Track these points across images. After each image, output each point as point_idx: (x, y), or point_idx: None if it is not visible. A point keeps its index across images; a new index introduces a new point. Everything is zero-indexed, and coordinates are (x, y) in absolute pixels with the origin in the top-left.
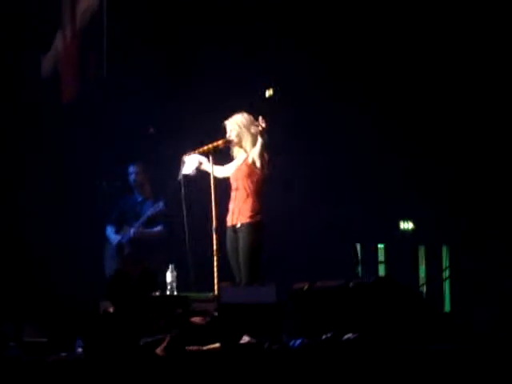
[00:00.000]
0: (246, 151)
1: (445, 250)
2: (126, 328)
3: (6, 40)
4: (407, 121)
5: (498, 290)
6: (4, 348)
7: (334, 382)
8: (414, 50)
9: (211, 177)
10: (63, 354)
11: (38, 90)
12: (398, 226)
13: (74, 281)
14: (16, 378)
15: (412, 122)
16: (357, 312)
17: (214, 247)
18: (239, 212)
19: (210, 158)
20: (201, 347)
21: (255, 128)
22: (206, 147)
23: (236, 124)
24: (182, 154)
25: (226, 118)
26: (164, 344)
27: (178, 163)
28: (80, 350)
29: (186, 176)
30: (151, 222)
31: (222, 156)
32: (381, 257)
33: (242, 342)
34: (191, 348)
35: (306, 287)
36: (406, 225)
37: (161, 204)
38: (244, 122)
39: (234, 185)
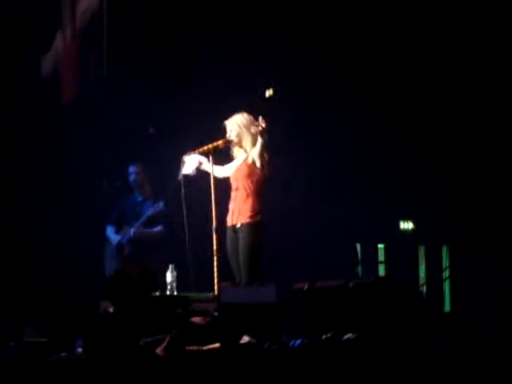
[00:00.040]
0: (246, 151)
1: (445, 250)
2: (126, 328)
3: (6, 40)
4: (407, 121)
5: (497, 290)
6: (4, 348)
7: (333, 382)
8: (413, 49)
9: (211, 177)
10: (63, 354)
11: (38, 90)
12: (397, 226)
13: (74, 281)
14: (16, 378)
15: (412, 122)
16: (357, 312)
17: (214, 247)
18: (239, 212)
19: (210, 158)
20: (201, 347)
21: (255, 128)
22: (206, 147)
23: (236, 124)
24: (182, 154)
25: (226, 118)
26: (164, 344)
27: (178, 163)
28: (80, 350)
29: (186, 176)
30: (151, 222)
31: (222, 156)
32: (381, 257)
33: (242, 342)
34: (191, 348)
35: (305, 287)
36: (406, 225)
37: (161, 204)
38: (244, 122)
39: (233, 185)
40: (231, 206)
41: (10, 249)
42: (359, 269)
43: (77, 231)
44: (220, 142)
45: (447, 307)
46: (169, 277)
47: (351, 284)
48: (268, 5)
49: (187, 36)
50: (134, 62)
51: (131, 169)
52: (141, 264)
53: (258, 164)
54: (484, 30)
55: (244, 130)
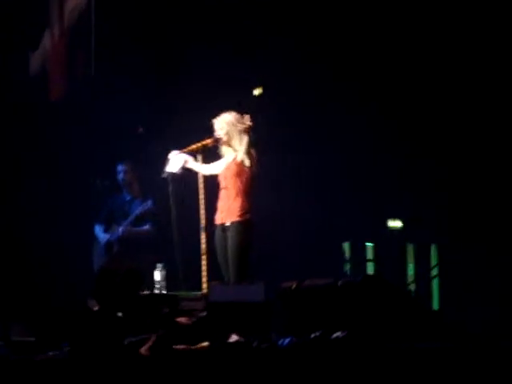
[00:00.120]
0: (234, 150)
1: (433, 249)
2: (110, 327)
3: None
4: (396, 120)
5: (485, 288)
6: None
7: (323, 380)
8: (408, 49)
9: (199, 175)
10: (51, 354)
11: (26, 89)
12: (386, 224)
13: (63, 280)
14: (4, 378)
15: (401, 121)
16: (345, 310)
17: (203, 246)
18: (228, 211)
19: (199, 156)
20: (189, 346)
21: (243, 126)
22: (194, 146)
23: (225, 123)
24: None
25: (215, 116)
26: (149, 343)
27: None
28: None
29: (171, 174)
30: (140, 220)
31: (210, 154)
32: (369, 255)
33: (230, 340)
34: (179, 347)
35: (294, 286)
36: (395, 223)
37: (149, 203)
38: (233, 120)
39: (222, 184)
40: (220, 204)
41: None
42: (348, 267)
43: (65, 230)
44: (208, 141)
45: (435, 305)
46: (157, 275)
47: (340, 282)
48: (256, 3)
49: (175, 34)
50: (122, 61)
51: (120, 167)
52: (129, 263)
53: (246, 163)
54: (480, 31)
55: (232, 128)
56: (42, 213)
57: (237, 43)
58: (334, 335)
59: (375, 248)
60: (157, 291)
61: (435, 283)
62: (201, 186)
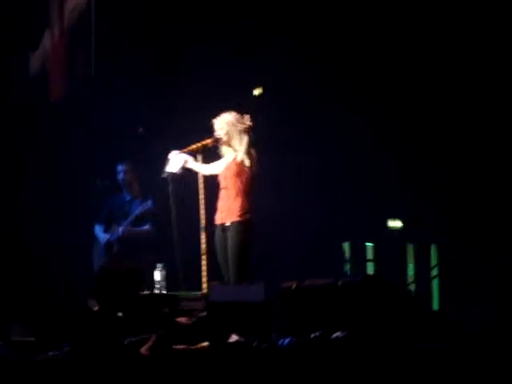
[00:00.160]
0: (234, 150)
1: (433, 249)
2: (111, 327)
3: None
4: (396, 120)
5: (485, 288)
6: None
7: (323, 380)
8: (408, 49)
9: (199, 175)
10: (51, 354)
11: (26, 89)
12: (386, 224)
13: (63, 280)
14: (4, 378)
15: (401, 121)
16: (345, 310)
17: (203, 246)
18: (228, 211)
19: (199, 156)
20: (189, 346)
21: (243, 126)
22: (194, 146)
23: (225, 123)
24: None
25: (215, 116)
26: (149, 343)
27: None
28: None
29: (171, 174)
30: (140, 220)
31: (209, 154)
32: (369, 255)
33: (230, 340)
34: (179, 347)
35: (294, 286)
36: (395, 223)
37: (149, 203)
38: (233, 120)
39: (222, 184)
40: (220, 204)
41: None
42: (348, 267)
43: (65, 230)
44: (208, 141)
45: (435, 305)
46: (157, 275)
47: (340, 282)
48: (256, 3)
49: (175, 34)
50: (122, 61)
51: (120, 167)
52: (128, 263)
53: (246, 163)
54: (479, 31)
55: (232, 128)
56: (42, 213)
57: (237, 43)
58: (334, 335)
59: (375, 248)
60: (157, 291)
61: (435, 283)
62: (201, 186)
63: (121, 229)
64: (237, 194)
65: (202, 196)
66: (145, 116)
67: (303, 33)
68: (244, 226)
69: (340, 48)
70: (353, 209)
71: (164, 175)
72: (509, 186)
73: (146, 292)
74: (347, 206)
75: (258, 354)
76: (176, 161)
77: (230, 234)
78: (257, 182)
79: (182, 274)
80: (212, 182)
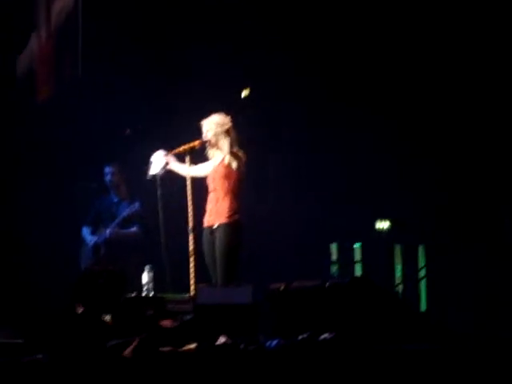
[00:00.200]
0: (222, 152)
1: (421, 250)
2: (94, 329)
3: None
4: (386, 123)
5: (473, 290)
6: None
7: (311, 382)
8: (405, 48)
9: (187, 177)
10: (39, 356)
11: (13, 90)
12: (373, 225)
13: (51, 282)
14: None
15: (391, 123)
16: (333, 312)
17: (191, 248)
18: (216, 213)
19: (187, 158)
20: (176, 348)
21: (226, 127)
22: (182, 148)
23: (213, 124)
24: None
25: (203, 118)
26: (132, 346)
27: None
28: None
29: (155, 176)
30: (127, 222)
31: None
32: (357, 256)
33: (218, 342)
34: (165, 349)
35: (282, 287)
36: (382, 224)
37: (136, 205)
38: (221, 122)
39: (210, 186)
40: (208, 207)
41: None
42: (335, 268)
43: (53, 232)
44: (196, 143)
45: (423, 307)
46: (145, 277)
47: (327, 284)
48: (243, 5)
49: (165, 35)
50: (110, 62)
51: (107, 169)
52: (112, 265)
53: (233, 165)
54: (477, 32)
55: (220, 130)
56: (28, 215)
57: (228, 46)
58: (322, 337)
59: (363, 249)
60: (144, 293)
61: (423, 284)
62: (189, 187)
63: (108, 231)
64: (225, 196)
65: (189, 198)
66: (132, 117)
67: (297, 33)
68: (232, 227)
69: (335, 48)
70: (340, 210)
71: (148, 178)
72: (496, 188)
73: (132, 294)
74: (334, 208)
75: (246, 356)
76: (158, 162)
77: (218, 236)
78: (245, 184)
79: (170, 276)
80: (200, 184)
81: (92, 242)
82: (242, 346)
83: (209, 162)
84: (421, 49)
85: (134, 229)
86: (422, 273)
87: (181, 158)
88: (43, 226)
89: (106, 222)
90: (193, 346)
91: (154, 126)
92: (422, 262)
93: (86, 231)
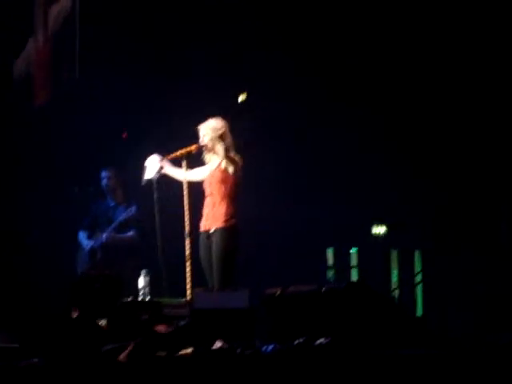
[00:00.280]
0: (219, 157)
1: (417, 255)
2: (89, 333)
3: None
4: (381, 126)
5: (469, 295)
6: None
7: None
8: (396, 52)
9: (184, 181)
10: (35, 360)
11: (10, 94)
12: (370, 230)
13: (47, 286)
14: None
15: (386, 127)
16: (329, 317)
17: (187, 252)
18: (213, 217)
19: (184, 163)
20: (172, 353)
21: (220, 132)
22: (178, 152)
23: (209, 129)
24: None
25: (200, 122)
26: (127, 351)
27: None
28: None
29: (150, 180)
30: (123, 227)
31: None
32: (353, 261)
33: (214, 347)
34: (161, 354)
35: (278, 292)
36: (379, 229)
37: (133, 209)
38: (217, 127)
39: (207, 191)
40: (205, 211)
41: None
42: (332, 273)
43: (49, 237)
44: (193, 147)
45: (419, 311)
46: (141, 282)
47: (324, 289)
48: (239, 9)
49: (162, 39)
50: (107, 66)
51: (103, 174)
52: (108, 269)
53: (230, 169)
54: (473, 34)
55: (217, 135)
56: (25, 219)
57: (226, 48)
58: (318, 342)
59: (359, 254)
60: (141, 298)
61: (419, 289)
62: (185, 192)
63: (104, 235)
64: (221, 200)
65: (186, 202)
66: (129, 121)
67: (299, 36)
68: (228, 231)
69: (335, 48)
70: (337, 215)
71: (143, 183)
72: (492, 193)
73: (129, 298)
74: (331, 212)
75: (242, 361)
76: (152, 167)
77: (214, 240)
78: (242, 188)
79: (166, 281)
80: (197, 189)
81: (88, 246)
82: (238, 351)
83: (205, 166)
84: (421, 49)
85: (130, 233)
86: (418, 278)
87: (177, 162)
88: (40, 231)
89: (102, 227)
90: (189, 350)
91: (151, 130)
92: (418, 266)
93: (82, 235)
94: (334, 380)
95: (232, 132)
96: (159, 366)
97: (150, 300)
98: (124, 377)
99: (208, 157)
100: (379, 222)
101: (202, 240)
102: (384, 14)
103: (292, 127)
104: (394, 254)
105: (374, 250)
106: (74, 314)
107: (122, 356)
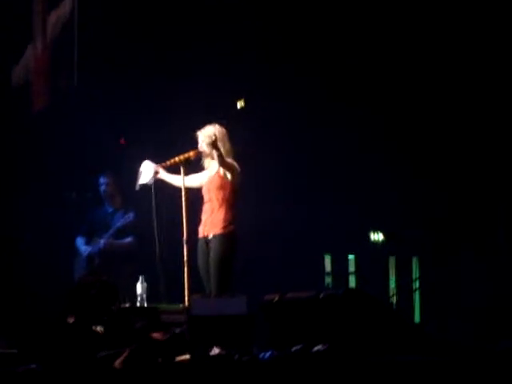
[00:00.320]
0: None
1: (415, 261)
2: (85, 340)
3: None
4: (379, 133)
5: (467, 302)
6: None
7: None
8: (400, 49)
9: (182, 188)
10: (33, 366)
11: (8, 101)
12: (368, 237)
13: (45, 292)
14: None
15: (383, 134)
16: (327, 323)
17: (185, 258)
18: (212, 223)
19: (182, 169)
20: (169, 359)
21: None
22: (177, 158)
23: (208, 136)
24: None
25: (199, 128)
26: (122, 357)
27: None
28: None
29: (145, 185)
30: (121, 233)
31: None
32: (351, 268)
33: (212, 353)
34: (158, 360)
35: (276, 298)
36: (377, 236)
37: (131, 215)
38: (216, 133)
39: (206, 197)
40: (203, 217)
41: None
42: (330, 280)
43: (47, 242)
44: (191, 154)
45: (417, 318)
46: (139, 288)
47: (321, 295)
48: (240, 13)
49: (161, 46)
50: (106, 73)
51: (101, 179)
52: (105, 275)
53: (229, 176)
54: (470, 37)
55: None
56: (23, 225)
57: (225, 50)
58: (316, 348)
59: (357, 261)
60: (138, 304)
61: (417, 296)
62: (183, 198)
63: (102, 241)
64: (220, 206)
65: (184, 208)
66: (127, 128)
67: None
68: (227, 238)
69: (328, 52)
70: (334, 221)
71: (137, 188)
72: (490, 199)
73: (126, 304)
74: (329, 219)
75: (239, 368)
76: (147, 172)
77: (212, 246)
78: (240, 194)
79: (164, 287)
80: (196, 195)
81: (86, 252)
82: (235, 357)
83: (203, 172)
84: (420, 49)
85: (128, 239)
86: (416, 284)
87: (176, 168)
88: (34, 236)
89: (100, 233)
90: (186, 356)
91: (150, 137)
92: (416, 273)
93: (80, 241)
94: None
95: (231, 139)
96: (155, 372)
97: (147, 306)
98: (119, 383)
99: (207, 162)
100: (377, 229)
101: (201, 246)
102: (384, 14)
103: (290, 135)
104: (392, 261)
105: (372, 256)
106: (71, 320)
107: (117, 362)
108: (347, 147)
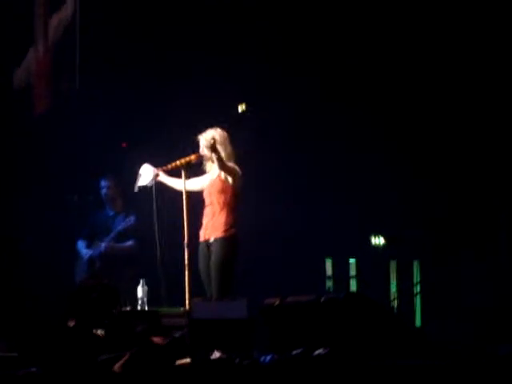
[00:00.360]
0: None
1: (416, 265)
2: (86, 343)
3: None
4: (380, 137)
5: (468, 305)
6: None
7: None
8: (400, 49)
9: (183, 191)
10: (33, 369)
11: (10, 104)
12: (369, 240)
13: (46, 295)
14: None
15: (385, 138)
16: (328, 327)
17: (186, 262)
18: (213, 227)
19: (183, 173)
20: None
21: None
22: (178, 162)
23: (209, 139)
24: (157, 167)
25: (201, 132)
26: (122, 361)
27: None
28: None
29: (144, 187)
30: (122, 236)
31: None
32: (352, 271)
33: (212, 357)
34: (158, 364)
35: (277, 302)
36: (378, 240)
37: (132, 218)
38: (216, 136)
39: (207, 200)
40: (205, 221)
41: None
42: (330, 283)
43: (48, 245)
44: (192, 157)
45: (418, 322)
46: (140, 291)
47: (322, 299)
48: (241, 16)
49: (163, 48)
50: (107, 75)
51: (103, 183)
52: (106, 279)
53: (230, 179)
54: (470, 37)
55: (217, 145)
56: (24, 228)
57: (224, 51)
58: (316, 352)
59: (358, 264)
60: (139, 307)
61: (418, 300)
62: (184, 201)
63: (103, 244)
64: (221, 210)
65: (185, 212)
66: (129, 131)
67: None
68: (228, 241)
69: (327, 52)
70: (335, 225)
71: (135, 190)
72: (491, 203)
73: (127, 308)
74: (330, 222)
75: (240, 371)
76: (146, 174)
77: (213, 250)
78: (242, 198)
79: (165, 291)
80: (197, 199)
81: (87, 255)
82: (236, 361)
83: (205, 175)
84: (420, 49)
85: (129, 243)
86: (417, 288)
87: (177, 171)
88: (39, 240)
89: (101, 236)
90: (187, 360)
91: (151, 140)
92: (417, 277)
93: (81, 245)
94: None
95: (232, 142)
96: (156, 376)
97: (148, 309)
98: None
99: (208, 166)
100: (378, 233)
101: (202, 250)
102: (383, 14)
103: (291, 138)
104: (393, 264)
105: (373, 260)
106: (71, 323)
107: (117, 366)
108: (347, 147)
